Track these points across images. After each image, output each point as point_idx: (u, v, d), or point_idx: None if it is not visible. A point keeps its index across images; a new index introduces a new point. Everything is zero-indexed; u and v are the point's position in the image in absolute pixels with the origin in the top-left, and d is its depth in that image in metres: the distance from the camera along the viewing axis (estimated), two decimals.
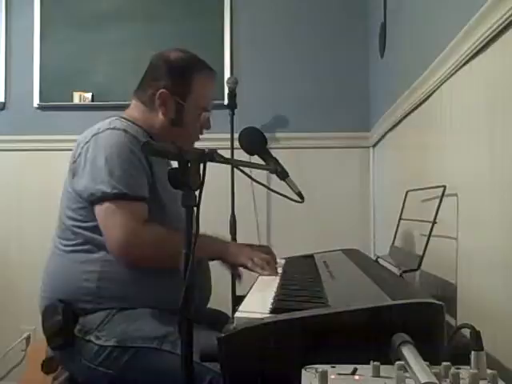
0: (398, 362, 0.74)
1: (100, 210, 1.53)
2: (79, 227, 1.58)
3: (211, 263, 1.73)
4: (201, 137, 1.84)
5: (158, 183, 1.59)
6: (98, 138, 1.58)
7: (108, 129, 1.59)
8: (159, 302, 1.53)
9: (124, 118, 1.68)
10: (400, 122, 2.17)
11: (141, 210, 1.55)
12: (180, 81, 1.69)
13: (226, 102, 2.95)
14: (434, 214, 1.37)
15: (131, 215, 1.52)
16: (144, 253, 1.53)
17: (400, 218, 1.78)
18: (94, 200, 1.53)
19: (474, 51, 1.26)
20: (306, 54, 3.13)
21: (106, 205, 1.52)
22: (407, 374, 0.71)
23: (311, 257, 1.95)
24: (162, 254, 1.53)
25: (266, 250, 1.82)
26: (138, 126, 1.67)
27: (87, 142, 1.59)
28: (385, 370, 0.77)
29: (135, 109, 1.74)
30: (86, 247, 1.56)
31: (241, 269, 1.77)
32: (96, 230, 1.55)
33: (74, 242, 1.58)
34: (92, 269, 1.54)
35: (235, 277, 1.91)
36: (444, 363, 0.76)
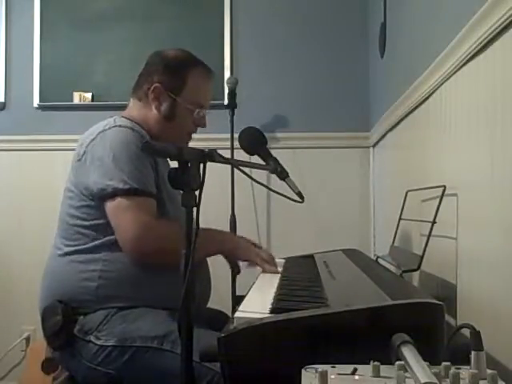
0: (398, 362, 0.73)
1: (112, 205, 1.52)
2: (82, 226, 1.57)
3: (211, 258, 1.74)
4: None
5: (160, 182, 1.60)
6: (105, 135, 1.59)
7: (115, 126, 1.60)
8: (159, 302, 1.52)
9: (124, 118, 1.68)
10: (400, 122, 2.16)
11: (152, 205, 1.55)
12: (174, 75, 1.70)
13: (225, 101, 2.95)
14: (433, 213, 1.37)
15: (144, 210, 1.52)
16: (158, 246, 1.52)
17: (400, 218, 1.78)
18: (104, 196, 1.53)
19: (474, 51, 1.26)
20: (306, 54, 3.12)
21: (118, 200, 1.52)
22: (407, 374, 0.71)
23: (311, 257, 1.95)
24: (174, 247, 1.53)
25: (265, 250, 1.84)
26: (138, 125, 1.67)
27: (93, 139, 1.60)
28: (385, 369, 0.77)
29: (132, 107, 1.75)
30: (87, 246, 1.56)
31: (240, 265, 1.78)
32: (99, 228, 1.55)
33: (75, 242, 1.58)
34: (92, 268, 1.54)
35: (235, 271, 1.92)
36: (444, 363, 0.76)
